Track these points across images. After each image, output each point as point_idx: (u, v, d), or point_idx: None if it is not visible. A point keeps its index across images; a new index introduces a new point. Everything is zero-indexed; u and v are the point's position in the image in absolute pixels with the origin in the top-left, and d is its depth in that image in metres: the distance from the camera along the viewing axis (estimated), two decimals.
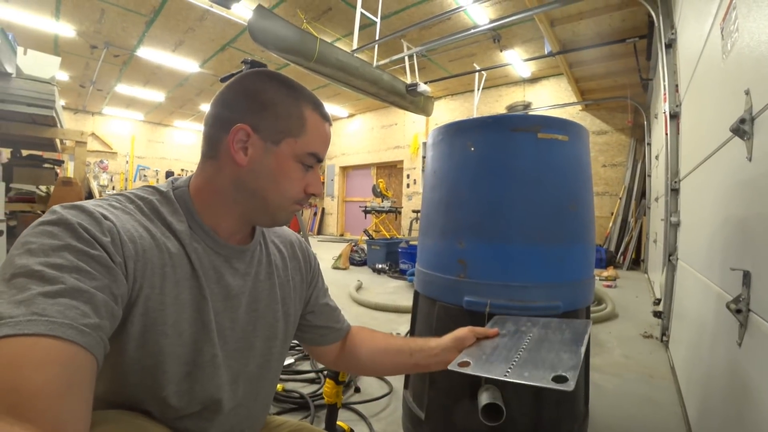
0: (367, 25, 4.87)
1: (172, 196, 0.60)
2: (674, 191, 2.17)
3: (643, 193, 5.61)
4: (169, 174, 11.36)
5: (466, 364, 0.70)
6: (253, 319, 0.66)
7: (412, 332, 1.36)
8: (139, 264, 0.50)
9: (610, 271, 4.69)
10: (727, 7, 1.07)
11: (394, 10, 4.99)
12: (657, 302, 2.56)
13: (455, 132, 1.15)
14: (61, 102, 7.73)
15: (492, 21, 4.00)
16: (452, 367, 0.70)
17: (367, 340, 0.85)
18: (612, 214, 6.13)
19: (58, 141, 4.35)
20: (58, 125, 4.14)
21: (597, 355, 2.12)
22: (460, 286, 1.06)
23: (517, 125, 1.04)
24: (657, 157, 3.78)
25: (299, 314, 0.78)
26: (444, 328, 1.12)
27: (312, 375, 1.75)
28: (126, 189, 0.51)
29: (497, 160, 1.06)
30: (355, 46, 4.60)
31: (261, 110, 0.60)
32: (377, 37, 4.62)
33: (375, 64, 5.09)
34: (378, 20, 4.65)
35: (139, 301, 0.50)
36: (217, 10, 4.90)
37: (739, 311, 0.91)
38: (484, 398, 0.94)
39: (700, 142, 1.56)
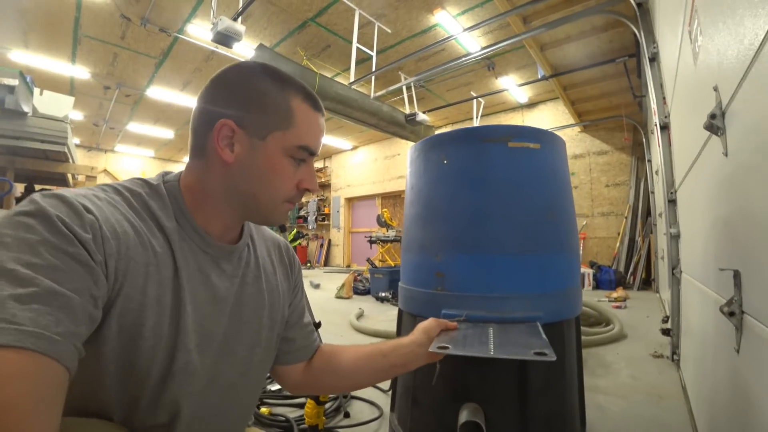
0: (364, 59, 5.05)
1: (163, 190, 0.57)
2: (671, 202, 2.13)
3: (648, 212, 5.53)
4: None
5: (445, 347, 0.71)
6: (237, 325, 0.62)
7: None
8: (120, 262, 0.47)
9: (619, 292, 4.55)
10: (690, 10, 1.08)
11: (390, 44, 5.18)
12: (666, 320, 2.46)
13: (430, 147, 1.16)
14: (75, 140, 8.00)
15: (483, 48, 4.12)
16: (432, 349, 0.71)
17: (336, 353, 0.78)
18: (619, 234, 6.03)
19: (69, 176, 4.49)
20: (70, 161, 4.29)
21: (602, 377, 2.02)
22: (438, 299, 1.04)
23: (488, 136, 1.04)
24: (657, 173, 3.75)
25: (285, 323, 0.73)
26: None
27: (302, 400, 1.69)
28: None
29: (470, 171, 1.05)
30: (352, 78, 4.76)
31: (245, 104, 0.56)
32: (373, 70, 4.78)
33: (372, 95, 5.24)
34: (374, 54, 4.82)
35: (117, 302, 0.47)
36: (223, 50, 5.13)
37: (732, 314, 0.87)
38: (463, 416, 0.90)
39: (687, 148, 1.55)
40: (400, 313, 1.26)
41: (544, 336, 0.79)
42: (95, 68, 5.96)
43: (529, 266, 0.99)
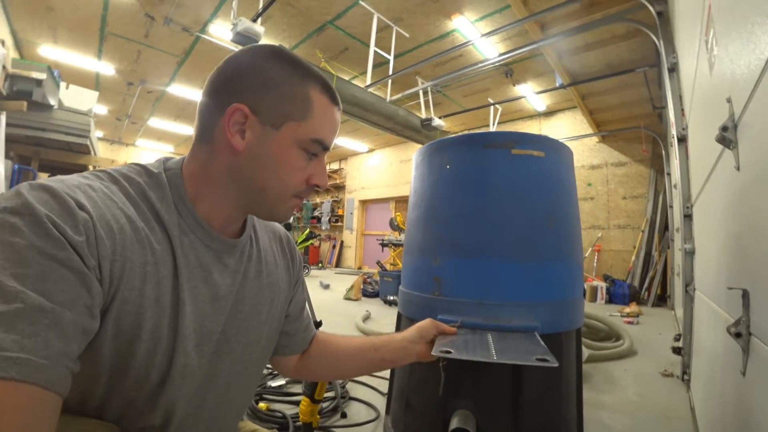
0: (381, 63, 5.07)
1: (164, 179, 0.53)
2: (687, 217, 2.07)
3: (666, 226, 5.38)
4: None
5: (448, 351, 0.70)
6: (237, 322, 0.60)
7: None
8: (116, 264, 0.43)
9: (632, 307, 4.44)
10: (707, 19, 1.06)
11: (407, 49, 5.20)
12: (677, 338, 2.39)
13: (434, 151, 1.15)
14: (98, 133, 8.23)
15: (501, 54, 4.09)
16: (435, 352, 0.71)
17: (330, 343, 0.78)
18: (634, 247, 5.88)
19: (91, 167, 4.63)
20: (92, 153, 4.43)
21: (608, 393, 1.97)
22: (435, 303, 1.02)
23: (491, 141, 1.03)
24: (675, 186, 3.66)
25: (284, 318, 0.71)
26: None
27: (301, 398, 1.70)
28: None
29: (472, 176, 1.04)
30: (368, 81, 4.79)
31: (261, 89, 0.53)
32: (390, 73, 4.79)
33: (389, 99, 5.26)
34: (391, 57, 4.84)
35: (113, 305, 0.44)
36: None
37: (738, 335, 0.83)
38: (454, 422, 0.89)
39: (703, 162, 1.50)
40: (399, 317, 1.26)
41: (543, 344, 0.78)
42: (120, 65, 6.13)
43: (526, 274, 0.98)
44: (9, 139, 3.08)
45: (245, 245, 0.62)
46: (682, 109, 2.09)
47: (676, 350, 2.26)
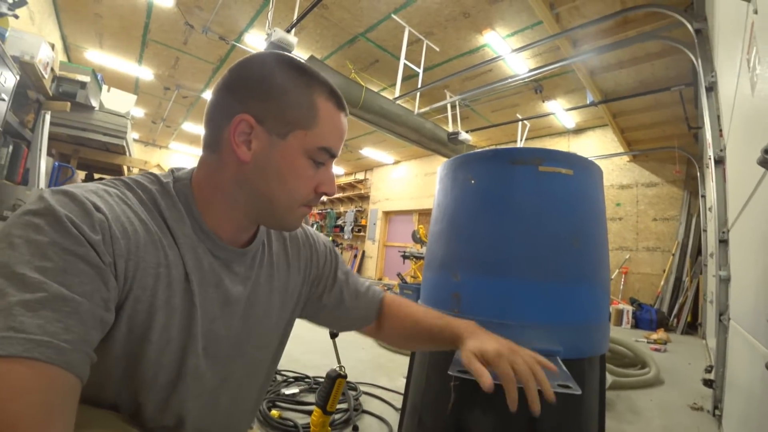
0: (411, 75, 5.12)
1: (172, 190, 0.54)
2: (723, 243, 1.97)
3: (699, 250, 5.14)
4: None
5: (465, 372, 0.67)
6: (249, 327, 0.61)
7: (410, 370, 1.28)
8: (130, 263, 0.45)
9: (660, 334, 4.23)
10: (749, 37, 1.01)
11: (437, 62, 5.22)
12: (709, 369, 2.26)
13: (459, 166, 1.14)
14: (134, 135, 8.57)
15: (531, 70, 4.05)
16: (452, 371, 0.68)
17: (397, 319, 0.80)
18: (664, 271, 5.63)
19: (125, 168, 4.83)
20: (127, 154, 4.61)
21: (631, 424, 1.87)
22: None
23: (517, 158, 1.01)
24: (710, 209, 3.50)
25: (294, 320, 0.72)
26: (436, 365, 1.05)
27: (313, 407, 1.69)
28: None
29: (496, 192, 1.02)
30: (397, 93, 4.82)
31: (266, 98, 0.52)
32: (419, 86, 4.82)
33: (416, 111, 5.28)
34: (421, 71, 4.87)
35: (127, 303, 0.46)
36: None
37: None
38: None
39: (742, 185, 1.43)
40: None
41: (565, 369, 0.75)
42: (158, 70, 6.41)
43: (549, 295, 0.94)
44: (51, 138, 3.26)
45: (257, 251, 0.63)
46: (720, 130, 2.01)
47: (707, 382, 2.13)
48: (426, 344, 0.77)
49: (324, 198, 0.63)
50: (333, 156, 0.58)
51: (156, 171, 0.59)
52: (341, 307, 0.77)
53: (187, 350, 0.52)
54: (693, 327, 5.05)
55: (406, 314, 0.79)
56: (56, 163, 3.58)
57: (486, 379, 0.55)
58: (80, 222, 0.41)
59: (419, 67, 4.87)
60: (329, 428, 1.18)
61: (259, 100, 0.52)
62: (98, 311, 0.41)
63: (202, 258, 0.54)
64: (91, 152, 4.33)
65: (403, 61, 4.61)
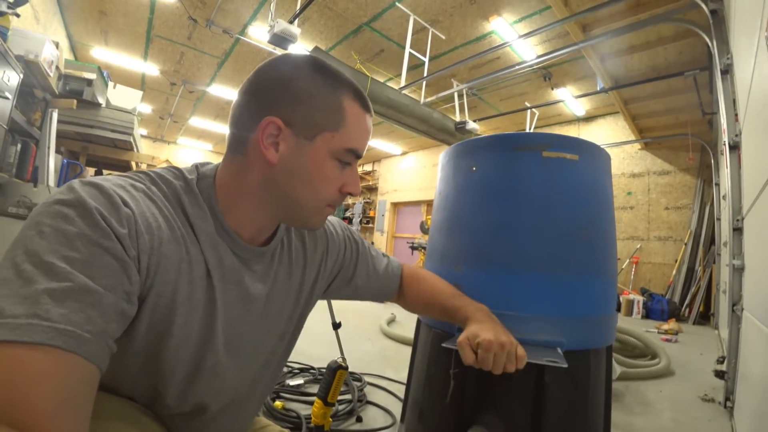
0: (417, 65, 5.05)
1: (196, 188, 0.54)
2: (737, 231, 1.92)
3: (712, 240, 5.04)
4: None
5: (454, 345, 0.71)
6: (267, 323, 0.62)
7: (411, 362, 1.27)
8: (153, 258, 0.46)
9: (671, 324, 4.17)
10: None
11: (443, 51, 5.14)
12: (721, 360, 2.21)
13: (461, 153, 1.11)
14: (142, 131, 8.66)
15: (539, 56, 3.96)
16: (445, 344, 0.73)
17: (418, 292, 0.87)
18: (676, 261, 5.54)
19: (134, 163, 4.87)
20: (135, 150, 4.65)
21: (640, 416, 1.85)
22: None
23: (521, 144, 0.98)
24: (724, 197, 3.41)
25: (309, 313, 0.74)
26: (437, 358, 1.04)
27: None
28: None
29: (499, 180, 0.99)
30: (403, 83, 4.77)
31: (294, 101, 0.53)
32: (425, 75, 4.75)
33: (423, 101, 5.21)
34: (426, 60, 4.80)
35: (149, 298, 0.47)
36: (280, 52, 5.35)
37: None
38: None
39: (758, 171, 1.38)
40: (419, 324, 1.22)
41: (560, 352, 0.79)
42: (164, 66, 6.43)
43: (554, 286, 0.92)
44: (60, 135, 3.29)
45: (275, 249, 0.64)
46: (736, 114, 1.94)
47: (719, 374, 2.09)
48: (442, 318, 0.85)
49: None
50: (359, 156, 0.58)
51: (165, 166, 0.59)
52: (361, 287, 0.82)
53: (206, 346, 0.53)
54: (705, 317, 4.97)
55: (422, 291, 0.86)
56: (65, 161, 3.62)
57: (468, 356, 0.65)
58: (109, 215, 0.42)
59: (425, 56, 4.80)
60: (330, 420, 1.18)
61: (287, 103, 0.53)
62: (120, 304, 0.41)
63: (223, 256, 0.55)
64: (100, 149, 4.38)
65: (408, 50, 4.55)
